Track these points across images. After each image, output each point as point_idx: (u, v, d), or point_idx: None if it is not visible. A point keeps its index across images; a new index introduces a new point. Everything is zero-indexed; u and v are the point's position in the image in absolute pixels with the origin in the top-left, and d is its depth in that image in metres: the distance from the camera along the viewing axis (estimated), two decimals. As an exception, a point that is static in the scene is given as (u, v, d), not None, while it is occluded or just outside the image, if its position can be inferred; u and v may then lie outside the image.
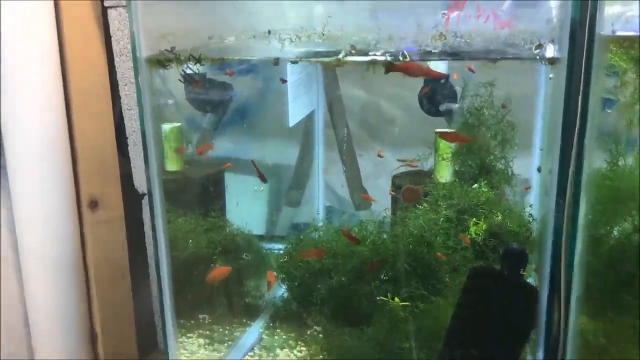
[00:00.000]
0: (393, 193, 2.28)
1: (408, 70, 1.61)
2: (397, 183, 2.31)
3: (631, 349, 1.63)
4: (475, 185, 2.15)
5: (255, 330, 2.19)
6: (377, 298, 1.94)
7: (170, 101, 2.26)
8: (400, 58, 1.56)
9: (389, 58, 1.58)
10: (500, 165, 2.22)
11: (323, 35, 1.59)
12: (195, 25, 1.76)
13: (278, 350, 2.08)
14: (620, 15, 1.40)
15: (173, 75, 1.89)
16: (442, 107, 2.27)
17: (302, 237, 2.26)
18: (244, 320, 2.25)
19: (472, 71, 2.10)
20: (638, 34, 1.44)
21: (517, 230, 2.01)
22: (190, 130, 2.60)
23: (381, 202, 2.38)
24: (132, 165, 2.33)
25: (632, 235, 1.68)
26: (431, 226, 2.03)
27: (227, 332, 2.20)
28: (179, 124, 2.39)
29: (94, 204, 2.18)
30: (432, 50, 1.55)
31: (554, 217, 1.48)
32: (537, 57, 1.52)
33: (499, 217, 2.04)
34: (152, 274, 2.41)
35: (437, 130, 2.21)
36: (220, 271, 2.15)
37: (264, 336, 2.15)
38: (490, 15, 1.41)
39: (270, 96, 2.67)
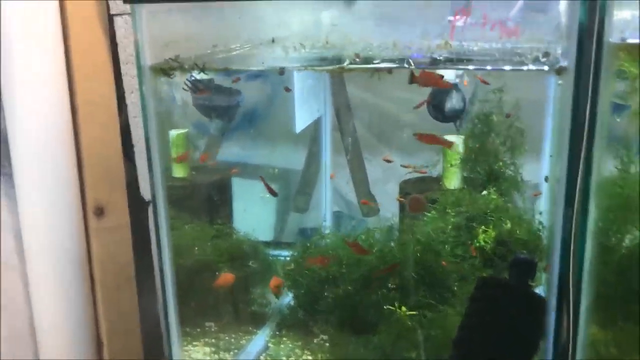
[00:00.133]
0: (401, 200, 2.27)
1: (429, 79, 1.61)
2: (405, 189, 2.29)
3: (643, 359, 1.61)
4: (484, 192, 2.13)
5: (261, 339, 2.17)
6: (385, 307, 1.93)
7: (178, 104, 2.26)
8: (406, 66, 1.55)
9: (406, 66, 1.57)
10: (510, 172, 2.20)
11: (327, 43, 1.57)
12: (200, 33, 1.75)
13: (284, 359, 2.07)
14: (630, 22, 1.38)
15: (181, 82, 1.90)
16: (450, 113, 2.25)
17: (308, 244, 2.25)
18: (250, 329, 2.23)
19: (487, 83, 2.08)
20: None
21: (526, 238, 1.99)
22: (198, 136, 2.60)
23: (389, 208, 2.36)
24: (138, 172, 2.32)
25: (644, 243, 1.65)
26: (439, 234, 2.01)
27: (233, 340, 2.19)
28: (186, 130, 2.39)
29: (99, 211, 2.18)
30: (438, 58, 1.54)
31: (561, 226, 1.46)
32: (546, 68, 1.50)
33: (508, 225, 2.01)
34: (157, 281, 2.40)
35: (415, 132, 2.16)
36: (225, 278, 2.14)
37: (270, 345, 2.14)
38: (496, 24, 1.39)
39: (277, 101, 2.66)
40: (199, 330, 2.20)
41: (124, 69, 2.19)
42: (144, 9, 1.64)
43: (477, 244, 1.99)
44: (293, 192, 2.82)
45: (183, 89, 1.96)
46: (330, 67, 1.67)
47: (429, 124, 2.30)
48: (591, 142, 1.39)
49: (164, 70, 1.70)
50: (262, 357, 2.09)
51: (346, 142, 2.66)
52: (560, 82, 1.61)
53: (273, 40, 1.63)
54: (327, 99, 2.63)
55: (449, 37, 1.47)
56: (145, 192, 2.33)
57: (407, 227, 2.12)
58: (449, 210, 2.07)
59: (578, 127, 1.40)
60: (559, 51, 1.45)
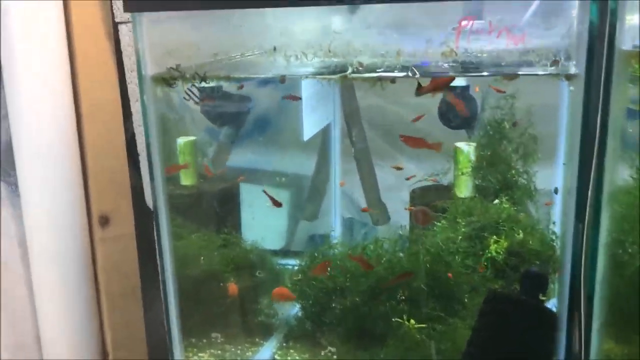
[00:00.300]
0: (411, 209, 2.22)
1: (436, 87, 1.57)
2: (415, 198, 2.25)
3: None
4: (496, 201, 2.08)
5: (268, 350, 2.14)
6: (393, 319, 1.89)
7: (185, 112, 2.24)
8: (410, 74, 1.51)
9: (410, 75, 1.53)
10: (523, 180, 2.15)
11: (330, 52, 1.54)
12: (202, 41, 1.73)
13: (291, 371, 2.04)
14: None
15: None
16: (460, 120, 2.20)
17: (316, 254, 2.21)
18: (257, 340, 2.20)
19: (502, 91, 2.03)
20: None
21: (539, 249, 1.94)
22: (207, 143, 2.58)
23: (400, 216, 2.32)
24: (143, 181, 2.31)
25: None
26: (449, 244, 1.97)
27: (239, 351, 2.16)
28: (194, 138, 2.37)
29: (104, 220, 2.17)
30: (444, 65, 1.50)
31: (572, 241, 1.42)
32: (557, 74, 1.45)
33: (521, 235, 1.96)
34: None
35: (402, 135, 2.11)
36: (232, 288, 2.13)
37: (276, 357, 2.11)
38: (502, 31, 1.35)
39: (286, 108, 2.63)
40: (205, 341, 2.17)
41: (129, 76, 2.18)
42: (145, 17, 1.63)
43: (489, 255, 1.94)
44: (303, 199, 2.78)
45: (184, 98, 1.94)
46: (333, 76, 1.63)
47: (440, 131, 2.25)
48: (602, 152, 1.35)
49: (166, 79, 1.68)
50: (268, 369, 2.07)
51: (356, 148, 2.62)
52: (571, 88, 1.56)
53: (275, 49, 1.60)
54: (337, 105, 2.59)
55: (454, 44, 1.43)
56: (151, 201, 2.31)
57: (417, 236, 2.08)
58: (460, 220, 2.02)
59: (589, 135, 1.36)
60: (569, 56, 1.41)
